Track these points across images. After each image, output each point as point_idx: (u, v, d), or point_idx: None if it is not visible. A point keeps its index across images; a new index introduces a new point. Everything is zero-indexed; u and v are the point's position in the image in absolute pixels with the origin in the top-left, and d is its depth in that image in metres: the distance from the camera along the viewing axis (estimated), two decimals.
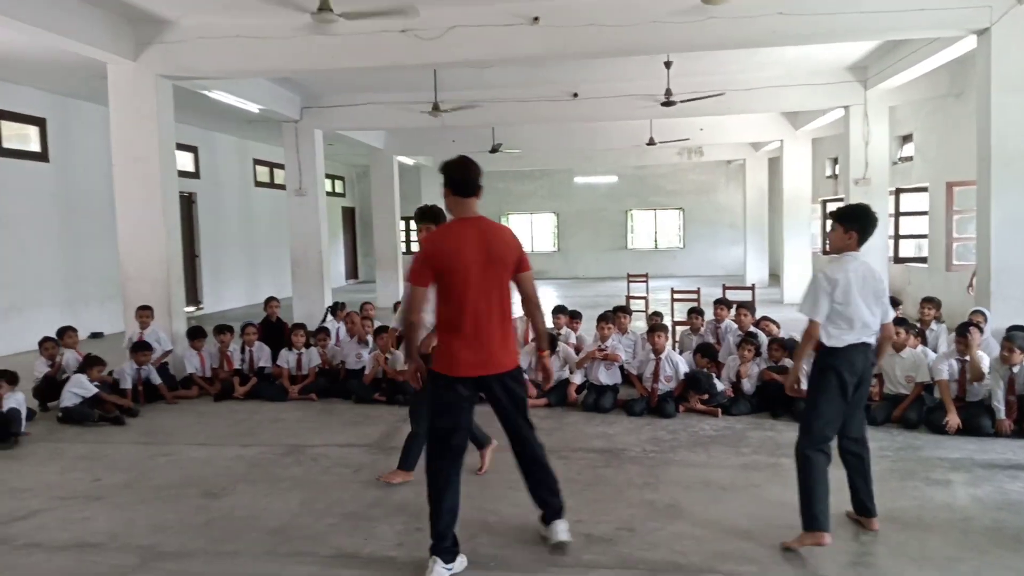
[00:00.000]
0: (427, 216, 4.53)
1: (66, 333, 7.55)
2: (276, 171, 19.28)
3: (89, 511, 4.55)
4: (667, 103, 9.86)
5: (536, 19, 7.34)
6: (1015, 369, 5.50)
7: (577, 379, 7.06)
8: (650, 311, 9.92)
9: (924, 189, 12.45)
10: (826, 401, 3.83)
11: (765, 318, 7.78)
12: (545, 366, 4.05)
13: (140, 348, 7.38)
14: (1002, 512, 4.24)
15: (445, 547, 3.55)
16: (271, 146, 18.36)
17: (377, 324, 7.88)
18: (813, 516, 3.75)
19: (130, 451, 5.82)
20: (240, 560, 3.83)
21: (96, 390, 6.73)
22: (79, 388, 6.68)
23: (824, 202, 17.68)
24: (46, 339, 7.26)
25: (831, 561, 3.68)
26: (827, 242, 4.11)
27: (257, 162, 18.45)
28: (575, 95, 11.58)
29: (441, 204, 4.01)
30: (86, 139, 12.03)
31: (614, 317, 7.33)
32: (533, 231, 24.71)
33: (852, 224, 3.88)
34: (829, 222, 4.02)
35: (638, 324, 9.36)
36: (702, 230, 23.67)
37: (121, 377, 7.27)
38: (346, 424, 6.53)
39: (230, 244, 17.02)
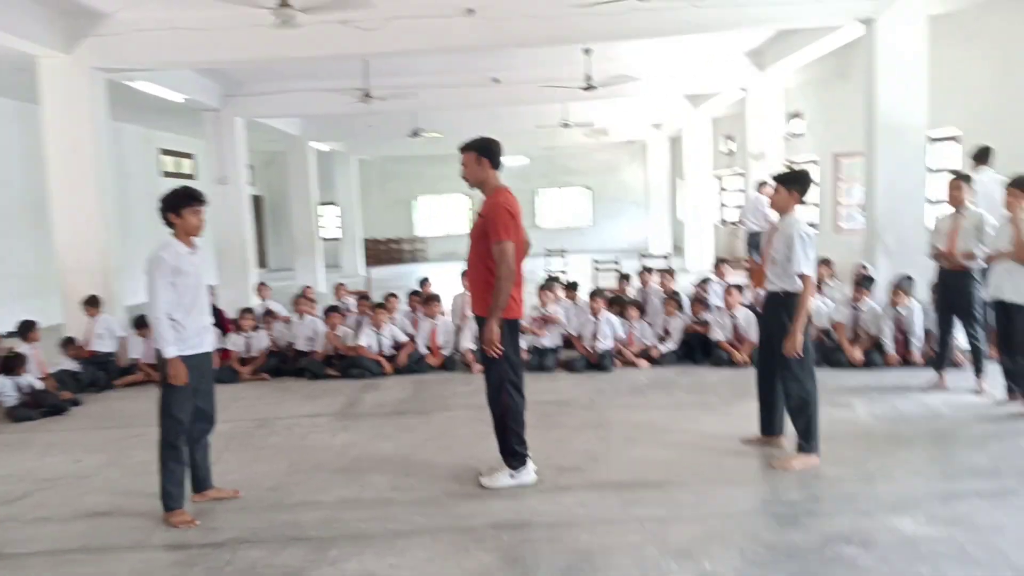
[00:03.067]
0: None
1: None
2: (183, 160, 18.90)
3: (83, 488, 4.76)
4: (588, 87, 10.48)
5: (471, 11, 7.78)
6: (902, 311, 6.43)
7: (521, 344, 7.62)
8: (567, 282, 10.60)
9: (814, 162, 13.62)
10: (809, 341, 4.46)
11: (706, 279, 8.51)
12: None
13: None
14: (896, 424, 5.11)
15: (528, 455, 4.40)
16: (177, 135, 18.01)
17: (328, 304, 8.19)
18: (817, 440, 4.42)
19: (99, 435, 5.98)
20: (251, 513, 4.20)
21: (32, 386, 6.68)
22: (6, 395, 6.56)
23: (720, 177, 18.89)
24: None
25: (765, 468, 4.40)
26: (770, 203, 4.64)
27: (163, 152, 18.03)
28: (496, 80, 12.06)
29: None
30: None
31: (551, 286, 7.94)
32: (447, 213, 25.12)
33: (793, 185, 4.50)
34: (773, 185, 4.60)
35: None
36: (609, 207, 24.66)
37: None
38: (306, 398, 6.87)
39: (138, 236, 16.65)
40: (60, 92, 7.98)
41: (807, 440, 4.46)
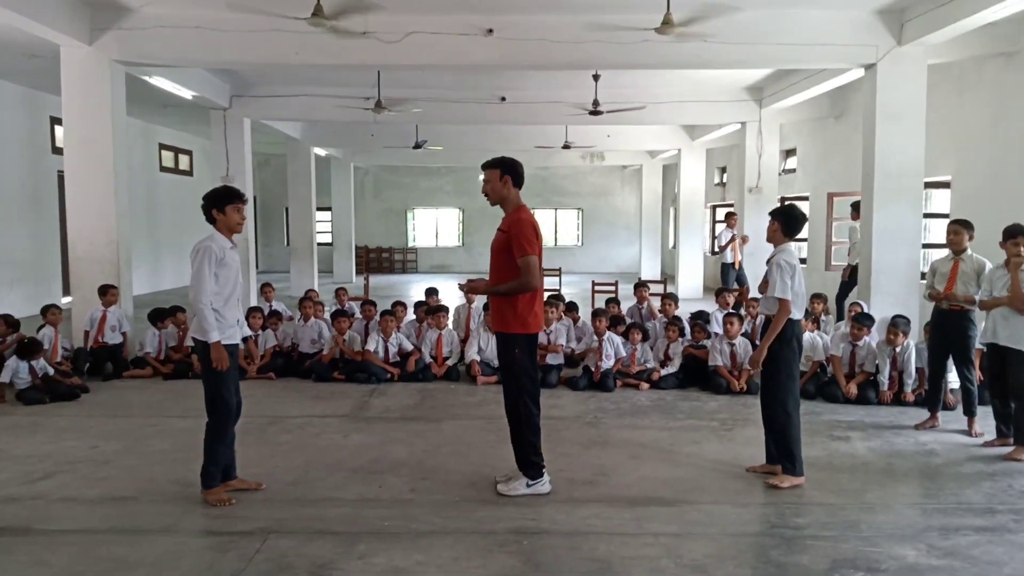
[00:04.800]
0: None
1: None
2: (181, 156, 18.92)
3: (104, 472, 4.86)
4: (595, 112, 10.74)
5: (490, 31, 8.00)
6: (897, 349, 6.69)
7: None
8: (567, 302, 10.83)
9: (805, 198, 13.98)
10: (795, 366, 4.73)
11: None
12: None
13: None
14: (892, 458, 5.32)
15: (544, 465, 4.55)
16: (176, 131, 18.06)
17: (335, 308, 8.31)
18: (800, 461, 4.68)
19: (112, 423, 6.06)
20: (275, 505, 4.31)
21: (45, 371, 6.77)
22: (19, 377, 6.63)
23: (714, 207, 19.26)
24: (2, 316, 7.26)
25: (769, 493, 4.59)
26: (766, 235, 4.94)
27: (162, 147, 18.06)
28: (503, 99, 12.30)
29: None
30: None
31: (555, 304, 8.13)
32: (438, 226, 25.29)
33: (777, 217, 4.81)
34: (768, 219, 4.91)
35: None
36: (599, 230, 24.99)
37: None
38: (314, 399, 6.97)
39: (133, 230, 16.63)
40: (80, 82, 8.06)
41: (791, 462, 4.71)
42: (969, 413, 5.89)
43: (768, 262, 4.83)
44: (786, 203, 5.06)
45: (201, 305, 4.22)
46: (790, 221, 4.81)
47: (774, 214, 4.86)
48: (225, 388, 4.31)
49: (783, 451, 4.73)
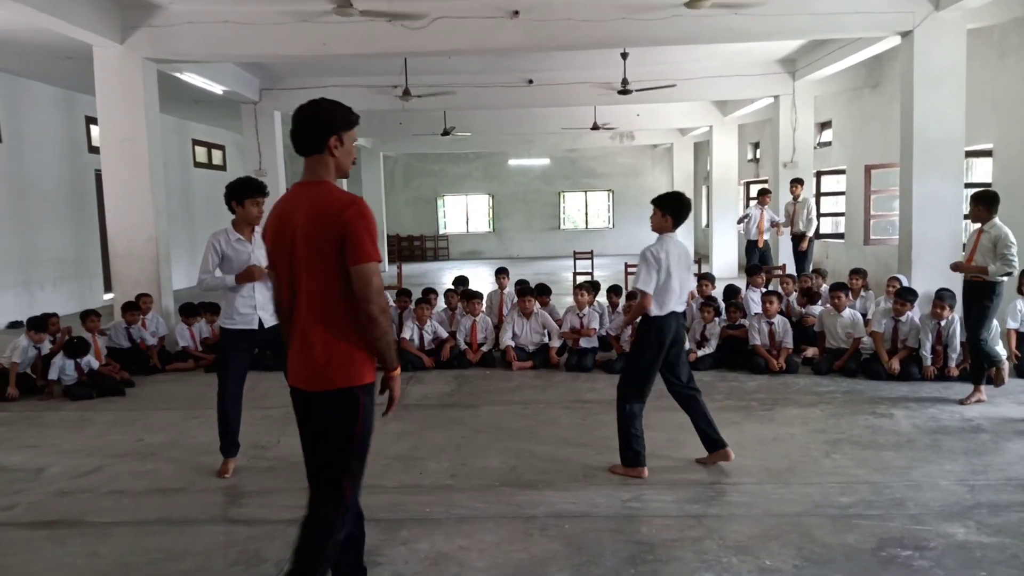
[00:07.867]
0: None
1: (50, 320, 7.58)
2: (214, 151, 19.15)
3: (151, 464, 4.97)
4: (624, 91, 10.62)
5: (516, 13, 7.94)
6: (942, 323, 6.55)
7: (556, 343, 7.78)
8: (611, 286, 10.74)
9: (842, 171, 13.71)
10: (649, 364, 4.51)
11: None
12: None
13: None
14: (937, 434, 5.22)
15: None
16: (209, 126, 18.27)
17: None
18: (637, 454, 4.50)
19: (158, 416, 6.19)
20: None
21: (91, 367, 6.89)
22: (65, 374, 6.75)
23: (747, 184, 18.98)
24: (50, 316, 7.41)
25: (812, 472, 4.53)
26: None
27: (196, 142, 18.29)
28: (530, 82, 12.21)
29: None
30: (38, 120, 11.91)
31: (588, 286, 8.10)
32: (469, 212, 25.32)
33: (667, 209, 4.51)
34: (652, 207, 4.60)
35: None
36: (630, 211, 24.76)
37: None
38: None
39: (170, 225, 16.90)
40: (114, 81, 8.18)
41: (627, 452, 4.53)
42: (976, 380, 5.92)
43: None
44: (671, 191, 4.78)
45: (204, 284, 4.57)
46: (681, 211, 4.51)
47: (662, 205, 4.52)
48: (225, 367, 4.58)
49: (619, 442, 4.55)
